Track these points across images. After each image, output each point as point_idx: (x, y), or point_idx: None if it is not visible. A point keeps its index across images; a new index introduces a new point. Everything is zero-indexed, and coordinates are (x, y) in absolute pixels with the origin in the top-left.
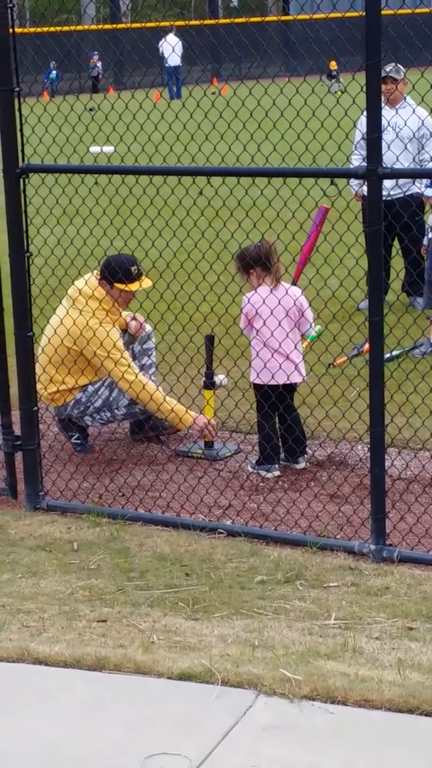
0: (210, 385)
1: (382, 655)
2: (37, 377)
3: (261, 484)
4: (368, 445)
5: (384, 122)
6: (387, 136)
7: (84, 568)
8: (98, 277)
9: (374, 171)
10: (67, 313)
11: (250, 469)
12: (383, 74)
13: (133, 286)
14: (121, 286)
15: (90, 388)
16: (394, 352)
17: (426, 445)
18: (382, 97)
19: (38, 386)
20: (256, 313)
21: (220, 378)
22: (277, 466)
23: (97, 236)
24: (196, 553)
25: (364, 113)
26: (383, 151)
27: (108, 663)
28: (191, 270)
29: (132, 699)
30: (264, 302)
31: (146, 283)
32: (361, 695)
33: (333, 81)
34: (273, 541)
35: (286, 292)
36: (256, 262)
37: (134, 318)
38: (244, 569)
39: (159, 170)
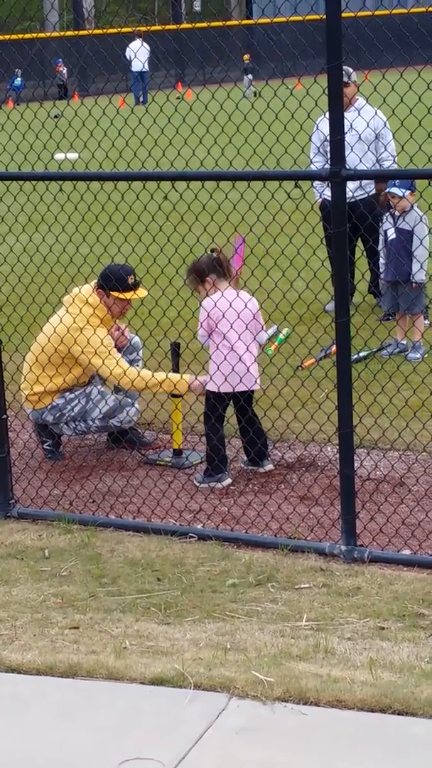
0: (176, 394)
1: (353, 655)
2: (22, 377)
3: (231, 487)
4: (337, 447)
5: (346, 124)
6: (350, 137)
7: (56, 575)
8: (95, 287)
9: (338, 173)
10: (61, 320)
11: (198, 484)
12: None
13: (129, 295)
14: (116, 295)
15: (68, 395)
16: (362, 354)
17: (394, 445)
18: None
19: (23, 385)
20: (208, 316)
21: None
22: (227, 474)
23: (63, 243)
24: (167, 558)
25: (326, 115)
26: (346, 153)
27: (81, 669)
28: (157, 275)
29: (105, 705)
30: (215, 306)
31: (141, 292)
32: (333, 696)
33: (247, 78)
34: (244, 544)
35: (237, 296)
36: (212, 270)
37: (117, 327)
38: (216, 573)
39: (123, 176)
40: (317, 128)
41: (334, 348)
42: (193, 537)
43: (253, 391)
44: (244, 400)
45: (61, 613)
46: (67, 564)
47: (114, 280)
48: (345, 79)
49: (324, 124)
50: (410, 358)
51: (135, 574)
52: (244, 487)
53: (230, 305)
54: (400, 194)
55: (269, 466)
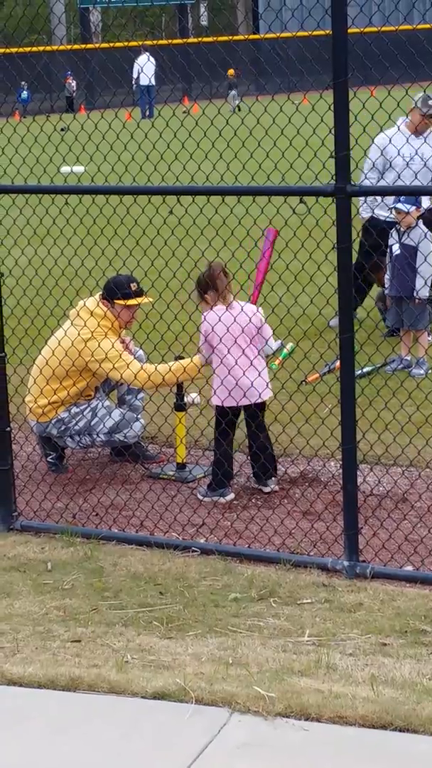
0: (181, 406)
1: (355, 671)
2: (27, 390)
3: (234, 502)
4: (340, 462)
5: (411, 150)
6: (415, 165)
7: (58, 588)
8: (100, 297)
9: (343, 189)
10: (66, 333)
11: (201, 497)
12: (426, 110)
13: (133, 302)
14: (121, 302)
15: (74, 409)
16: (366, 369)
17: (398, 461)
18: (411, 126)
19: (28, 398)
20: (212, 331)
21: (192, 396)
22: (230, 489)
23: (68, 256)
24: (170, 572)
25: (385, 132)
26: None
27: (82, 683)
28: (162, 289)
29: (106, 719)
30: (219, 320)
31: (145, 299)
32: (334, 712)
33: (232, 92)
34: (246, 559)
35: (242, 310)
36: (207, 287)
37: (122, 341)
38: (218, 587)
39: (129, 190)
40: (374, 144)
41: (337, 363)
42: (195, 551)
43: (261, 405)
44: (249, 415)
45: (63, 627)
46: (69, 577)
47: (117, 289)
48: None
49: (382, 140)
50: (414, 374)
51: (137, 588)
52: (247, 501)
53: (219, 320)
54: (405, 210)
55: (271, 487)
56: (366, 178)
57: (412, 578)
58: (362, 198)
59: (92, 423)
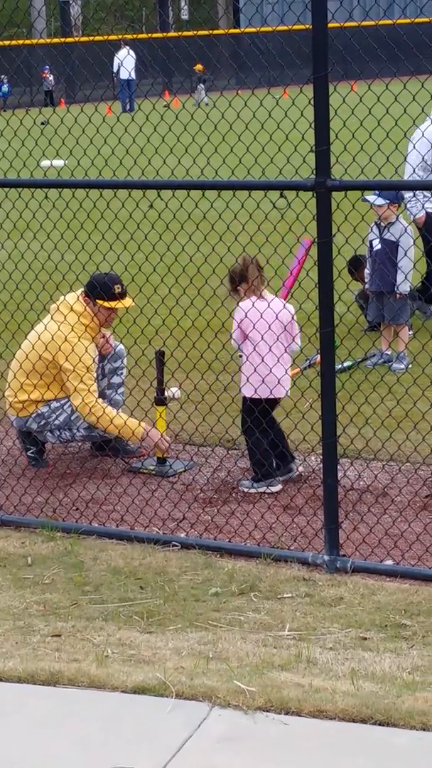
0: (161, 400)
1: (335, 665)
2: (6, 384)
3: (214, 496)
4: (321, 456)
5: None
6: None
7: (38, 583)
8: (82, 294)
9: (323, 183)
10: (45, 327)
11: (246, 489)
12: None
13: (114, 304)
14: (103, 303)
15: (54, 404)
16: (346, 364)
17: (378, 455)
18: None
19: (7, 392)
20: (246, 317)
21: (173, 391)
22: (277, 479)
23: (48, 250)
24: (150, 566)
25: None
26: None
27: (62, 677)
28: (142, 283)
29: (86, 713)
30: (254, 309)
31: (127, 302)
32: (315, 706)
33: (201, 85)
34: (227, 553)
35: (268, 305)
36: (243, 278)
37: (102, 335)
38: (199, 581)
39: (109, 184)
40: (424, 138)
41: (318, 358)
42: (176, 546)
43: (279, 399)
44: (269, 405)
45: (44, 621)
46: (49, 571)
47: (100, 289)
48: None
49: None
50: (394, 369)
51: (118, 583)
52: (228, 495)
53: (254, 308)
54: (381, 203)
55: (298, 470)
56: (414, 173)
57: (392, 572)
58: (408, 194)
59: (72, 417)
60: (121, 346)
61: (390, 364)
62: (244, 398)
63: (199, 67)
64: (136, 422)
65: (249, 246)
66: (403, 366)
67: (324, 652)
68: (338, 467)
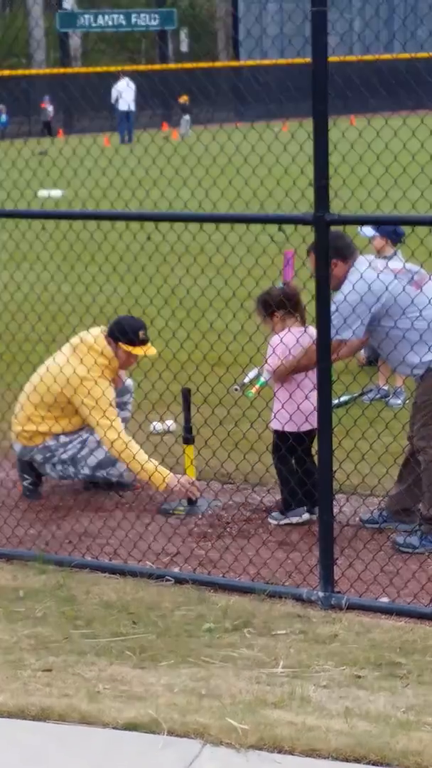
0: (189, 439)
1: (329, 703)
2: (14, 414)
3: (209, 530)
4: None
5: None
6: None
7: (30, 617)
8: (105, 333)
9: (321, 217)
10: (61, 367)
11: (275, 522)
12: None
13: (137, 351)
14: (126, 348)
15: (63, 438)
16: (343, 398)
17: (374, 491)
18: None
19: (14, 421)
20: (290, 354)
21: (168, 424)
22: (304, 509)
23: (45, 281)
24: (143, 601)
25: None
26: None
27: (53, 713)
28: (139, 316)
29: (77, 749)
30: (298, 342)
31: (151, 350)
32: (308, 744)
33: (185, 116)
34: (221, 589)
35: (305, 332)
36: (281, 306)
37: (118, 375)
38: (192, 617)
39: (107, 215)
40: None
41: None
42: (169, 580)
43: (313, 431)
44: (310, 440)
45: (35, 655)
46: (41, 605)
47: (125, 332)
48: None
49: None
50: (391, 404)
51: (110, 617)
52: (222, 530)
53: (297, 341)
54: (369, 235)
55: (315, 514)
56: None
57: (388, 610)
58: None
59: (80, 455)
60: (130, 381)
61: (387, 399)
62: (279, 432)
63: (184, 98)
64: (160, 474)
65: (246, 279)
66: (400, 401)
67: (318, 689)
68: (334, 503)
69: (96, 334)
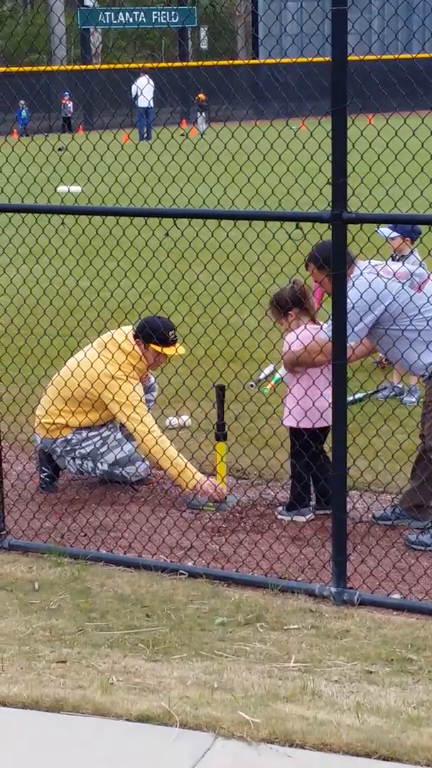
0: (222, 436)
1: (340, 698)
2: (39, 406)
3: (223, 525)
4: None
5: None
6: None
7: (44, 608)
8: (134, 333)
9: (339, 215)
10: (97, 359)
11: (279, 516)
12: None
13: (168, 350)
14: (157, 348)
15: (84, 433)
16: (357, 395)
17: (387, 488)
18: None
19: (39, 411)
20: (306, 350)
21: (183, 419)
22: (309, 509)
23: (63, 276)
24: (157, 594)
25: None
26: None
27: (66, 704)
28: (157, 311)
29: (90, 741)
30: (314, 339)
31: (181, 349)
32: (319, 739)
33: (201, 116)
34: (234, 583)
35: (320, 329)
36: (295, 303)
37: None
38: (205, 611)
39: (125, 211)
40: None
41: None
42: (183, 574)
43: (327, 428)
44: (324, 437)
45: (49, 647)
46: (56, 597)
47: (156, 332)
48: None
49: None
50: (406, 402)
51: (124, 610)
52: (236, 525)
53: (313, 338)
54: (388, 235)
55: (308, 516)
56: (313, 205)
57: (399, 606)
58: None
59: (101, 451)
60: (153, 379)
61: (401, 397)
62: (301, 430)
63: (201, 96)
64: (194, 469)
65: (264, 276)
66: (414, 399)
67: (329, 684)
68: (348, 499)
69: (127, 334)
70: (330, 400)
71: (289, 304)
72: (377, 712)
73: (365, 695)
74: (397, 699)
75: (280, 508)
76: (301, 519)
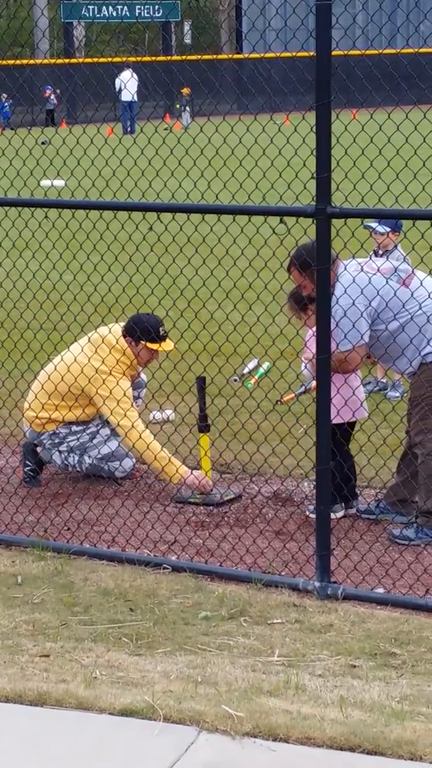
0: (205, 428)
1: (324, 692)
2: (27, 401)
3: (206, 519)
4: (314, 482)
5: None
6: None
7: (28, 602)
8: (123, 330)
9: (323, 210)
10: (89, 360)
11: (309, 514)
12: None
13: (166, 346)
14: (152, 346)
15: (74, 427)
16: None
17: (371, 482)
18: None
19: (26, 407)
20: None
21: (167, 413)
22: (341, 505)
23: (46, 270)
24: (140, 588)
25: None
26: None
27: (50, 698)
28: (140, 306)
29: (73, 735)
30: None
31: (168, 345)
32: (302, 733)
33: (186, 112)
34: (218, 577)
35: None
36: (313, 299)
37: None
38: (189, 605)
39: (109, 205)
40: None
41: (313, 384)
42: (167, 568)
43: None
44: (340, 432)
45: (32, 641)
46: (39, 591)
47: (146, 330)
48: None
49: None
50: (389, 397)
51: (107, 604)
52: (220, 519)
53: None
54: (382, 231)
55: (339, 513)
56: (297, 199)
57: (383, 600)
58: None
59: (88, 445)
60: (143, 376)
61: (385, 392)
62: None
63: (185, 90)
64: (178, 463)
65: (248, 271)
66: (398, 394)
67: (313, 678)
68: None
69: (115, 332)
70: (361, 397)
71: (307, 300)
72: (361, 706)
73: (349, 689)
74: (381, 693)
75: (311, 507)
76: (333, 515)
